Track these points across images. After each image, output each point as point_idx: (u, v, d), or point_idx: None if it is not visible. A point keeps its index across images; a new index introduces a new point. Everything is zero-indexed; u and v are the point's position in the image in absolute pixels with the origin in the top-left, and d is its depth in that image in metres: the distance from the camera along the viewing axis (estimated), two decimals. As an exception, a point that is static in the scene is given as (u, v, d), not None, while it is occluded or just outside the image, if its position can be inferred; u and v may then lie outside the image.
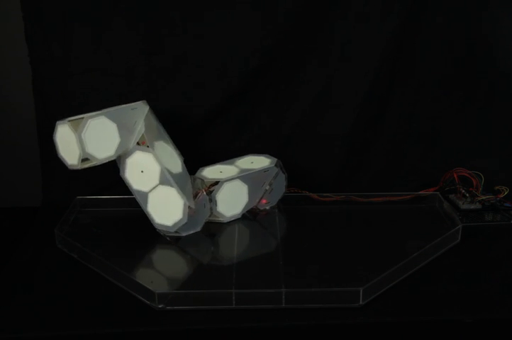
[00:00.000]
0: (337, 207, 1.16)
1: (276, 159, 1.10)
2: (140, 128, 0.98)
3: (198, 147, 1.19)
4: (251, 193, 1.07)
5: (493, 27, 1.14)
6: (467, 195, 1.13)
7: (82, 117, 0.93)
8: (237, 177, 1.05)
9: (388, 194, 1.17)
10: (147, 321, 0.83)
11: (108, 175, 1.18)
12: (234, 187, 1.04)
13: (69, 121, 0.92)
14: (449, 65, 1.16)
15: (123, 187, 1.18)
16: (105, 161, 0.96)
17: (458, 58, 1.15)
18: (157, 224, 1.01)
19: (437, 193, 1.16)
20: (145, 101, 1.01)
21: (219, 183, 1.03)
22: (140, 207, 1.09)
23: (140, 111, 0.99)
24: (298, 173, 1.18)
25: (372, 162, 1.22)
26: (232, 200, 1.06)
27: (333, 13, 1.11)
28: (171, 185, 0.97)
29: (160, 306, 0.85)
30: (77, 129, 0.92)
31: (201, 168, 1.09)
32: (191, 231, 1.01)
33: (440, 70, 1.16)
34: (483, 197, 1.12)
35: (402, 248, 0.98)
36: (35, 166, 1.20)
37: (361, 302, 0.85)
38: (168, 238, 1.01)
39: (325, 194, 1.17)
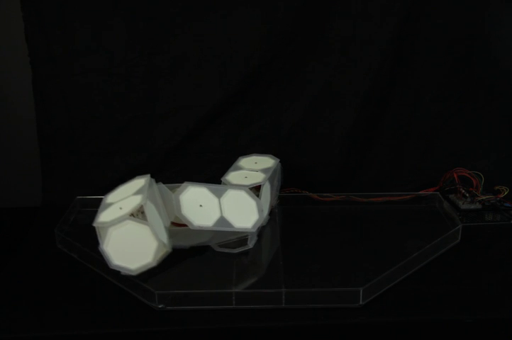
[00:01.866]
0: (337, 207, 1.16)
1: (278, 159, 1.10)
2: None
3: (198, 147, 1.19)
4: (271, 193, 1.06)
5: (493, 27, 1.14)
6: (467, 195, 1.13)
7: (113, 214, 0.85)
8: (267, 179, 1.02)
9: (388, 194, 1.17)
10: (147, 321, 0.83)
11: (108, 175, 1.18)
12: (266, 189, 1.02)
13: (129, 219, 0.82)
14: (449, 65, 1.16)
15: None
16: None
17: (458, 58, 1.15)
18: (238, 228, 0.94)
19: (437, 193, 1.16)
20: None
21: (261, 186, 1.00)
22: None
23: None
24: (298, 173, 1.18)
25: (372, 162, 1.22)
26: (265, 202, 1.03)
27: (333, 13, 1.11)
28: (240, 189, 0.95)
29: (160, 306, 0.85)
30: (141, 219, 0.83)
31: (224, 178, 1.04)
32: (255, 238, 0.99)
33: (439, 70, 1.16)
34: (483, 197, 1.12)
35: (402, 248, 0.98)
36: (35, 166, 1.20)
37: (361, 302, 0.85)
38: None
39: (325, 194, 1.17)
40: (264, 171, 1.05)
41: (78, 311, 0.85)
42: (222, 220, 0.90)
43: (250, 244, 0.99)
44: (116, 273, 0.90)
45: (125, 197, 0.87)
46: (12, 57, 1.17)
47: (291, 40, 1.12)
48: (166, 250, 0.83)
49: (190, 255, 0.99)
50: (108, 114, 1.15)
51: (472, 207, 1.11)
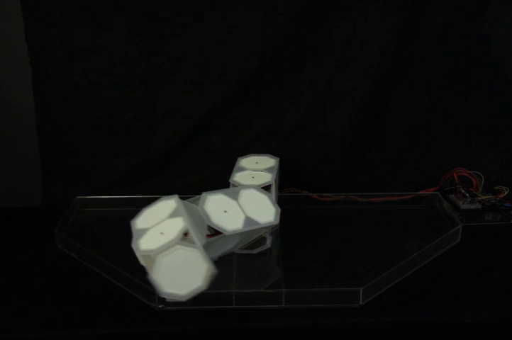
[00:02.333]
0: (337, 207, 1.16)
1: (278, 158, 1.10)
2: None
3: (198, 147, 1.19)
4: (276, 192, 1.06)
5: (493, 27, 1.14)
6: (467, 195, 1.13)
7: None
8: (274, 178, 1.02)
9: (388, 194, 1.17)
10: (147, 321, 0.83)
11: (108, 175, 1.18)
12: (274, 187, 1.03)
13: (178, 244, 0.78)
14: (449, 65, 1.16)
15: (123, 187, 1.19)
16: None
17: (458, 58, 1.15)
18: (264, 223, 0.91)
19: (437, 193, 1.16)
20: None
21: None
22: (139, 207, 1.10)
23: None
24: (298, 173, 1.18)
25: (372, 162, 1.22)
26: (275, 200, 1.03)
27: (333, 13, 1.11)
28: (249, 187, 0.95)
29: (160, 306, 0.85)
30: (189, 243, 0.79)
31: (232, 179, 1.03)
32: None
33: (439, 70, 1.16)
34: (483, 197, 1.12)
35: (402, 248, 0.98)
36: (35, 166, 1.20)
37: (361, 302, 0.85)
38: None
39: (325, 194, 1.17)
40: (269, 170, 1.05)
41: (78, 311, 0.85)
42: (248, 220, 0.90)
43: (268, 244, 0.99)
44: (116, 273, 0.90)
45: (160, 221, 0.84)
46: (12, 57, 1.17)
47: (291, 40, 1.12)
48: (213, 271, 0.80)
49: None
50: (108, 114, 1.15)
51: (472, 207, 1.11)
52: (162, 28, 1.10)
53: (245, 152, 1.13)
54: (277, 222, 0.92)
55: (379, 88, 1.16)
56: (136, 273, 0.89)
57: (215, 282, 0.90)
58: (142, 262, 0.83)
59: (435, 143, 1.21)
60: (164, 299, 0.84)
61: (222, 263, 0.96)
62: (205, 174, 1.20)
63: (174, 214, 0.83)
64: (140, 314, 0.85)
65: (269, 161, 1.09)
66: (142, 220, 0.85)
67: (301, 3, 1.09)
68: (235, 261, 0.95)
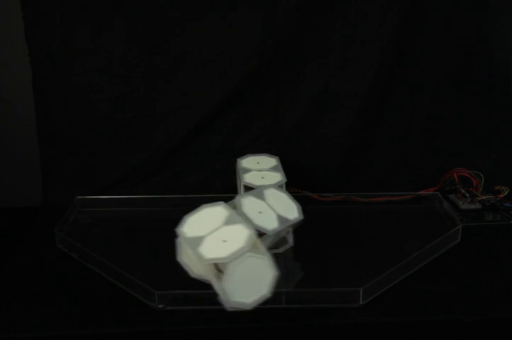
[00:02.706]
0: (337, 207, 1.16)
1: (277, 157, 1.10)
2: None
3: (198, 147, 1.19)
4: None
5: (493, 28, 1.14)
6: (467, 195, 1.13)
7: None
8: (283, 177, 1.03)
9: (388, 194, 1.17)
10: (147, 321, 0.83)
11: (108, 175, 1.18)
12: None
13: (250, 252, 0.77)
14: (449, 65, 1.16)
15: (123, 187, 1.19)
16: None
17: (458, 58, 1.15)
18: (293, 220, 0.92)
19: (437, 193, 1.16)
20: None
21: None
22: (139, 207, 1.11)
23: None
24: (298, 173, 1.18)
25: (372, 162, 1.22)
26: None
27: (333, 13, 1.11)
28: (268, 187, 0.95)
29: (160, 306, 0.85)
30: (258, 251, 0.79)
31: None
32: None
33: (439, 70, 1.16)
34: (483, 197, 1.12)
35: (402, 248, 0.98)
36: (35, 166, 1.20)
37: (361, 302, 0.85)
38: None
39: (325, 194, 1.17)
40: (275, 169, 1.05)
41: (78, 311, 0.85)
42: (281, 218, 0.90)
43: (290, 242, 1.00)
44: (116, 273, 0.90)
45: (215, 229, 0.81)
46: (12, 57, 1.17)
47: (291, 40, 1.12)
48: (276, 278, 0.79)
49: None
50: (108, 114, 1.15)
51: (472, 207, 1.11)
52: (162, 28, 1.10)
53: (245, 152, 1.13)
54: (302, 217, 0.92)
55: (379, 88, 1.16)
56: (136, 273, 0.89)
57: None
58: (196, 272, 0.81)
59: (435, 143, 1.21)
60: (164, 299, 0.84)
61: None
62: (205, 174, 1.20)
63: (230, 222, 0.82)
64: (140, 314, 0.85)
65: (269, 161, 1.09)
66: (190, 228, 0.82)
67: (301, 3, 1.09)
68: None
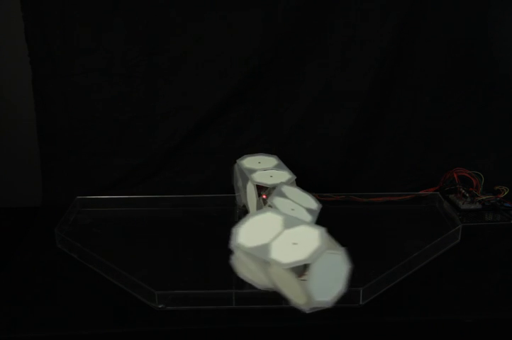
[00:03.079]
0: (337, 207, 1.16)
1: (275, 155, 1.10)
2: None
3: (198, 147, 1.19)
4: None
5: (493, 27, 1.14)
6: (467, 195, 1.13)
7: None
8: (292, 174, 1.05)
9: (388, 194, 1.17)
10: (147, 321, 0.83)
11: (108, 175, 1.18)
12: None
13: (328, 250, 0.77)
14: (449, 65, 1.16)
15: (123, 187, 1.19)
16: None
17: (458, 58, 1.15)
18: (316, 208, 0.94)
19: (437, 193, 1.16)
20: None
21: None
22: (139, 207, 1.11)
23: None
24: (298, 173, 1.18)
25: (372, 162, 1.22)
26: None
27: (333, 13, 1.11)
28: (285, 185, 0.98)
29: (160, 306, 0.85)
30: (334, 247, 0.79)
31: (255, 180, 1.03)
32: None
33: (440, 70, 1.16)
34: (483, 197, 1.12)
35: (402, 248, 0.98)
36: (35, 166, 1.20)
37: (361, 302, 0.85)
38: None
39: (325, 194, 1.17)
40: (279, 167, 1.06)
41: (78, 311, 0.85)
42: (310, 211, 0.91)
43: None
44: (116, 273, 0.90)
45: (278, 234, 0.80)
46: (12, 57, 1.17)
47: (291, 40, 1.12)
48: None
49: (190, 255, 0.99)
50: (108, 114, 1.15)
51: (472, 207, 1.11)
52: (162, 28, 1.10)
53: (245, 152, 1.13)
54: (321, 205, 0.95)
55: (379, 88, 1.16)
56: (136, 273, 0.89)
57: (215, 282, 0.90)
58: (261, 283, 0.81)
59: (435, 143, 1.21)
60: (164, 299, 0.84)
61: (222, 263, 0.96)
62: (205, 174, 1.20)
63: (290, 224, 0.82)
64: (140, 314, 0.84)
65: (270, 160, 1.09)
66: (247, 239, 0.80)
67: (301, 3, 1.09)
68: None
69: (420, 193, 1.18)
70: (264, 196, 1.02)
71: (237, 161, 1.08)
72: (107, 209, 1.15)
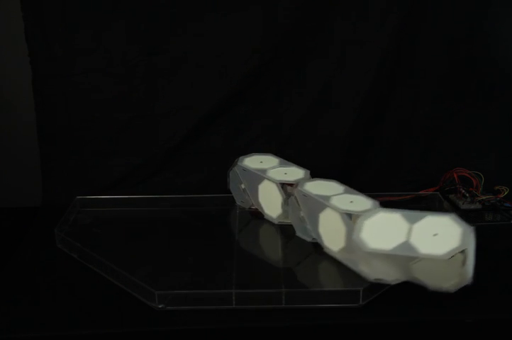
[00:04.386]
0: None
1: (270, 154, 1.11)
2: None
3: (198, 147, 1.19)
4: None
5: (493, 27, 1.14)
6: (467, 195, 1.12)
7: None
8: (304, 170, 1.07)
9: (388, 194, 1.17)
10: (147, 321, 0.83)
11: (108, 175, 1.18)
12: None
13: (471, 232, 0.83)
14: (449, 65, 1.16)
15: (123, 187, 1.19)
16: None
17: (458, 58, 1.15)
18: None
19: (437, 193, 1.16)
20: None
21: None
22: (139, 207, 1.10)
23: None
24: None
25: (372, 162, 1.22)
26: None
27: (333, 13, 1.11)
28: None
29: (160, 306, 0.85)
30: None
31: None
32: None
33: (439, 70, 1.16)
34: (483, 197, 1.11)
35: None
36: (35, 166, 1.20)
37: (361, 302, 0.85)
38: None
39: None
40: (285, 164, 1.08)
41: (78, 311, 0.85)
42: (375, 204, 0.95)
43: None
44: (116, 273, 0.90)
45: (409, 230, 0.84)
46: (12, 57, 1.17)
47: (291, 40, 1.12)
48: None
49: (190, 255, 0.99)
50: (108, 114, 1.15)
51: (472, 207, 1.11)
52: (162, 28, 1.10)
53: (245, 152, 1.13)
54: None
55: (378, 88, 1.16)
56: (136, 273, 0.89)
57: (215, 282, 0.90)
58: (404, 276, 0.85)
59: (435, 143, 1.21)
60: (164, 299, 0.84)
61: (222, 263, 0.96)
62: (205, 174, 1.20)
63: (416, 219, 0.85)
64: (140, 314, 0.84)
65: (269, 159, 1.10)
66: (375, 241, 0.85)
67: (301, 3, 1.09)
68: (235, 261, 0.95)
69: (420, 193, 1.18)
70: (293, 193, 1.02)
71: (238, 163, 1.08)
72: (107, 209, 1.15)
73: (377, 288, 0.88)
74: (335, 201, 0.93)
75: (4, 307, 0.86)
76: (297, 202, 0.99)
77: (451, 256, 0.80)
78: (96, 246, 0.98)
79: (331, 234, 0.94)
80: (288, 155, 1.18)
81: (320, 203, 0.94)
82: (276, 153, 1.13)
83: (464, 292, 0.89)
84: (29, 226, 1.11)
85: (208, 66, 1.13)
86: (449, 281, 0.83)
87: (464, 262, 0.81)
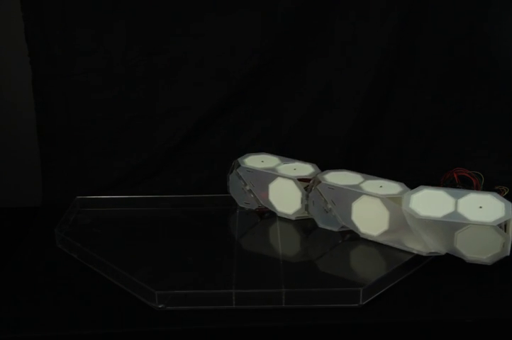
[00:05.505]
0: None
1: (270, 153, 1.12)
2: None
3: (198, 147, 1.19)
4: None
5: (494, 27, 1.14)
6: (467, 195, 1.12)
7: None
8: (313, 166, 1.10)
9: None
10: (147, 321, 0.83)
11: (108, 175, 1.18)
12: None
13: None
14: (449, 65, 1.16)
15: (123, 187, 1.19)
16: None
17: (458, 58, 1.15)
18: None
19: (437, 193, 1.16)
20: None
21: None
22: (139, 207, 1.10)
23: None
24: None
25: (372, 162, 1.22)
26: None
27: (333, 13, 1.11)
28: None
29: (160, 306, 0.85)
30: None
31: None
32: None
33: (439, 70, 1.16)
34: (484, 197, 1.11)
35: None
36: (35, 166, 1.20)
37: (361, 302, 0.85)
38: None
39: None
40: (286, 160, 1.10)
41: (78, 311, 0.85)
42: (403, 185, 1.00)
43: None
44: (116, 273, 0.90)
45: (456, 203, 0.91)
46: (12, 57, 1.17)
47: (291, 40, 1.12)
48: None
49: (190, 255, 0.99)
50: (108, 114, 1.15)
51: (472, 207, 1.11)
52: (162, 28, 1.11)
53: (245, 152, 1.13)
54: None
55: (378, 88, 1.16)
56: (136, 273, 0.89)
57: (215, 282, 0.90)
58: (445, 247, 0.92)
59: (435, 143, 1.21)
60: (164, 299, 0.84)
61: (222, 263, 0.96)
62: (205, 174, 1.20)
63: (460, 195, 0.92)
64: (140, 314, 0.84)
65: (269, 158, 1.10)
66: (425, 210, 0.91)
67: (301, 3, 1.09)
68: (235, 261, 0.95)
69: (420, 193, 1.17)
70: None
71: (241, 165, 1.09)
72: (107, 209, 1.15)
73: (377, 288, 0.88)
74: (367, 188, 0.97)
75: (4, 307, 0.86)
76: (321, 195, 1.01)
77: (497, 224, 0.86)
78: (96, 246, 0.98)
79: (369, 220, 0.98)
80: (288, 155, 1.18)
81: (354, 192, 0.97)
82: (276, 153, 1.13)
83: (464, 292, 0.89)
84: (29, 226, 1.11)
85: (208, 66, 1.13)
86: (488, 253, 0.89)
87: (504, 235, 0.87)
